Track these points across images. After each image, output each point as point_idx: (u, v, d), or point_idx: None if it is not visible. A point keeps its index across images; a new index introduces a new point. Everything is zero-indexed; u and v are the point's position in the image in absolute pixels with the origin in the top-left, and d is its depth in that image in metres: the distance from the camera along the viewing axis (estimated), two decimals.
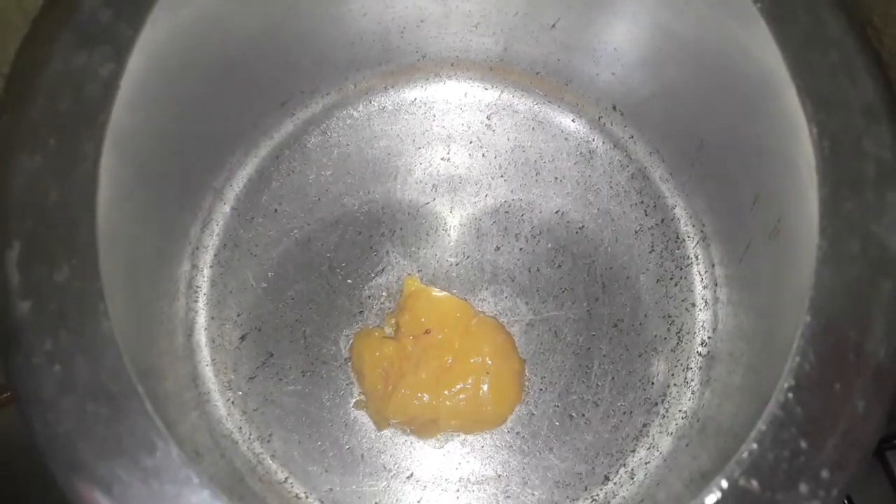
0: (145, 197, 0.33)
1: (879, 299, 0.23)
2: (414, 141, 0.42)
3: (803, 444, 0.22)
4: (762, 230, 0.32)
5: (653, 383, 0.38)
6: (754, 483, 0.22)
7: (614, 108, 0.41)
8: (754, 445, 0.23)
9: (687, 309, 0.39)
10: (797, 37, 0.25)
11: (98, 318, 0.22)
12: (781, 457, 0.22)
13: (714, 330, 0.38)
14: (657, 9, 0.33)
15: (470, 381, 0.37)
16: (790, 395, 0.23)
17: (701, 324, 0.39)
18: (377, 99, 0.42)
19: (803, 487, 0.22)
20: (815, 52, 0.25)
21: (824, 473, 0.22)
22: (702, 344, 0.38)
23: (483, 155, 0.42)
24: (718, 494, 0.22)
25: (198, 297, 0.39)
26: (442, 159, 0.42)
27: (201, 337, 0.39)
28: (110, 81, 0.24)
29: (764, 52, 0.27)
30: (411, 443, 0.38)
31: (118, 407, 0.22)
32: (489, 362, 0.37)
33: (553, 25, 0.38)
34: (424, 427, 0.37)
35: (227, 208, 0.40)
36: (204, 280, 0.39)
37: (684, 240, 0.40)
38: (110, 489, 0.21)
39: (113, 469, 0.21)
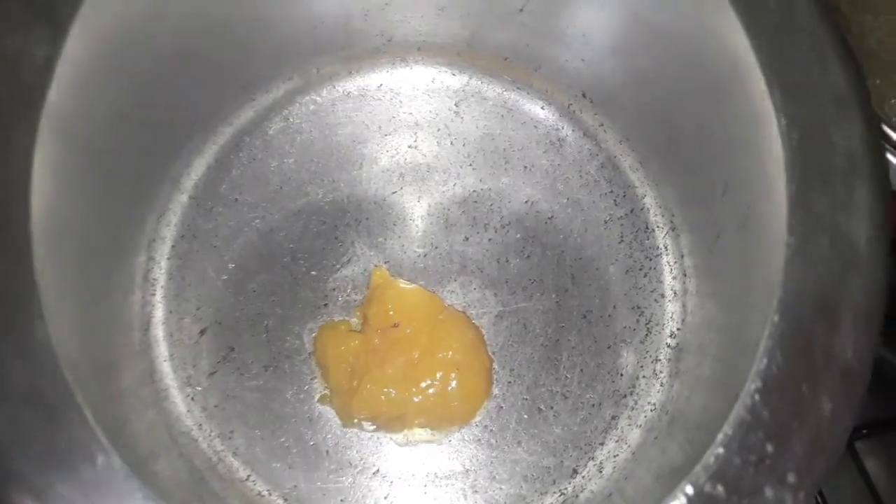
0: (96, 186, 0.31)
1: (848, 297, 0.23)
2: (380, 128, 0.41)
3: (769, 448, 0.22)
4: (732, 220, 0.31)
5: (622, 375, 0.38)
6: (720, 488, 0.22)
7: (584, 95, 0.40)
8: (720, 450, 0.22)
9: (656, 300, 0.39)
10: (766, 23, 0.25)
11: (33, 322, 0.21)
12: (748, 461, 0.22)
13: (683, 321, 0.38)
14: None
15: (438, 377, 0.36)
16: (757, 397, 0.22)
17: (670, 315, 0.38)
18: (341, 84, 0.41)
19: (769, 492, 0.22)
20: (784, 39, 0.25)
21: (791, 477, 0.22)
22: (671, 335, 0.38)
23: (451, 143, 0.41)
24: (684, 501, 0.22)
25: (155, 291, 0.38)
26: (409, 147, 0.41)
27: (159, 331, 0.37)
28: (46, 65, 0.22)
29: (733, 40, 0.26)
30: (377, 438, 0.37)
31: (56, 416, 0.20)
32: (458, 358, 0.37)
33: (521, 10, 0.37)
34: (391, 423, 0.37)
35: (184, 198, 0.39)
36: (161, 272, 0.38)
37: (654, 230, 0.40)
38: (48, 503, 0.20)
39: (51, 481, 0.20)
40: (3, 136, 0.22)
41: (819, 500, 0.37)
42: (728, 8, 0.25)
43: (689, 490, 0.22)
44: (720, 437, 0.22)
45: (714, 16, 0.27)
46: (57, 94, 0.23)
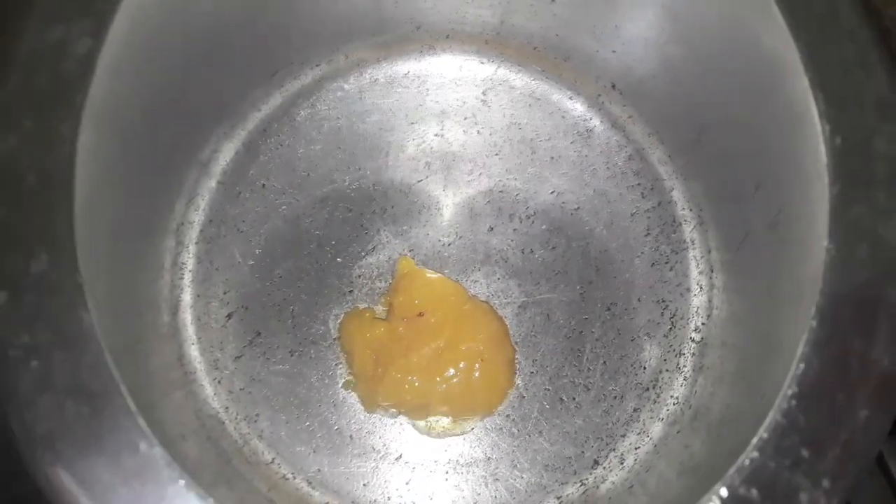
0: (128, 172, 0.32)
1: (886, 306, 0.23)
2: (407, 116, 0.41)
3: (805, 453, 0.22)
4: (762, 219, 0.31)
5: (645, 368, 0.38)
6: (754, 492, 0.22)
7: (613, 86, 0.40)
8: (755, 454, 0.22)
9: (681, 294, 0.39)
10: (811, 26, 0.24)
11: (78, 311, 0.21)
12: (782, 465, 0.22)
13: (708, 316, 0.38)
14: None
15: (462, 367, 0.37)
16: (793, 402, 0.22)
17: (695, 309, 0.38)
18: (369, 72, 0.41)
19: (803, 497, 0.22)
20: (829, 42, 0.24)
21: (825, 483, 0.22)
22: (695, 330, 0.38)
23: (478, 132, 0.41)
24: (718, 503, 0.22)
25: (183, 275, 0.38)
26: (435, 135, 0.41)
27: (187, 315, 0.38)
28: (88, 57, 0.23)
29: (775, 40, 0.26)
30: (400, 424, 0.37)
31: (99, 405, 0.21)
32: (482, 348, 0.37)
33: (553, 0, 0.37)
34: (414, 411, 0.37)
35: (212, 183, 0.39)
36: (189, 257, 0.38)
37: (681, 223, 0.40)
38: (92, 490, 0.20)
39: (94, 470, 0.20)
40: (50, 128, 0.22)
41: None
42: (772, 6, 0.25)
43: (724, 492, 0.22)
44: (755, 440, 0.22)
45: (755, 13, 0.26)
46: (98, 84, 0.24)
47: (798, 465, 0.22)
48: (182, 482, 0.20)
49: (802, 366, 0.23)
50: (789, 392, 0.23)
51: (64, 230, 0.22)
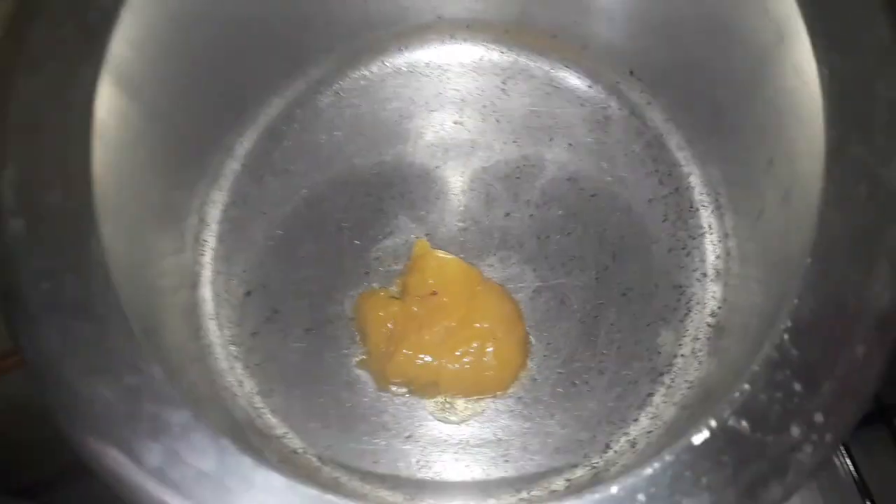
0: (154, 145, 0.33)
1: (885, 246, 0.22)
2: (427, 104, 0.42)
3: (797, 387, 0.22)
4: (776, 194, 0.31)
5: (659, 353, 0.37)
6: (744, 424, 0.21)
7: (632, 73, 0.40)
8: (746, 386, 0.22)
9: (698, 279, 0.38)
10: None
11: (89, 239, 0.22)
12: (774, 398, 0.22)
13: (724, 300, 0.37)
14: None
15: (474, 347, 0.37)
16: (786, 336, 0.22)
17: (711, 294, 0.38)
18: (391, 60, 0.42)
19: (795, 430, 0.21)
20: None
21: (818, 417, 0.21)
22: (711, 315, 0.38)
23: (496, 120, 0.41)
24: (707, 434, 0.22)
25: (204, 252, 0.39)
26: (454, 123, 0.41)
27: (206, 291, 0.39)
28: (110, 10, 0.24)
29: (780, 2, 0.26)
30: (412, 403, 0.38)
31: (103, 327, 0.22)
32: (494, 328, 0.37)
33: None
34: (425, 389, 0.37)
35: (236, 165, 0.40)
36: (211, 235, 0.39)
37: (698, 209, 0.39)
38: (90, 405, 0.21)
39: (95, 386, 0.21)
40: (72, 72, 0.24)
41: (853, 472, 0.35)
42: None
43: (713, 423, 0.22)
44: (746, 374, 0.22)
45: None
46: (121, 42, 0.25)
47: (790, 399, 0.22)
48: (180, 399, 0.21)
49: (796, 301, 0.22)
50: (782, 326, 0.22)
51: (81, 165, 0.23)
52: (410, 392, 0.37)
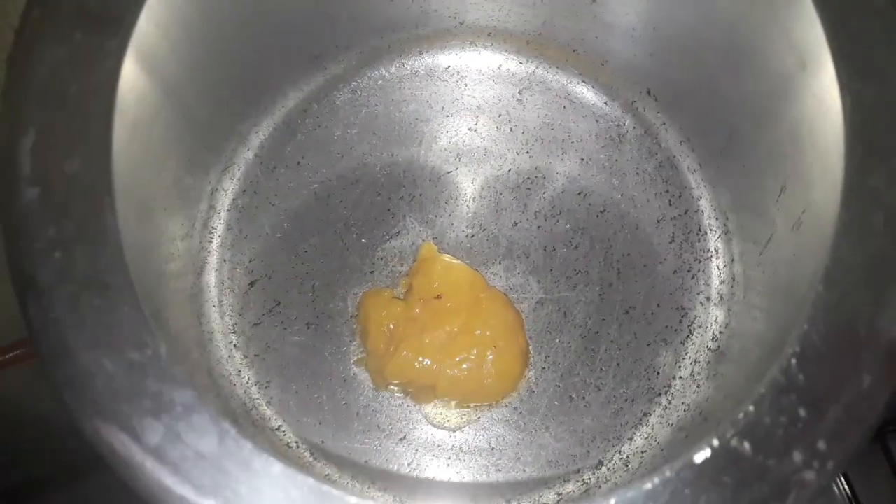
0: (171, 126, 0.33)
1: None
2: (443, 108, 0.42)
3: (802, 412, 0.22)
4: (786, 222, 0.31)
5: (658, 373, 0.37)
6: (746, 445, 0.21)
7: (649, 92, 0.40)
8: (751, 408, 0.22)
9: (701, 303, 0.38)
10: (839, 6, 0.25)
11: (104, 210, 0.22)
12: (778, 422, 0.22)
13: (727, 326, 0.37)
14: None
15: (474, 353, 0.37)
16: (794, 361, 0.22)
17: (714, 318, 0.38)
18: (411, 62, 0.42)
19: (797, 456, 0.21)
20: (856, 21, 0.24)
21: (821, 444, 0.21)
22: (713, 339, 0.38)
23: (511, 129, 0.42)
24: (708, 452, 0.22)
25: (212, 238, 0.39)
26: (469, 129, 0.42)
27: (211, 278, 0.39)
28: None
29: (804, 29, 0.26)
30: (408, 406, 0.37)
31: (112, 300, 0.22)
32: (495, 337, 0.37)
33: (594, 1, 0.37)
34: (422, 392, 0.37)
35: (250, 154, 0.40)
36: (220, 222, 0.39)
37: (706, 233, 0.39)
38: (93, 379, 0.21)
39: (99, 359, 0.21)
40: (98, 45, 0.24)
41: (846, 489, 0.35)
42: None
43: (715, 443, 0.22)
44: (752, 395, 0.22)
45: (788, 4, 0.27)
46: (147, 22, 0.25)
47: (794, 424, 0.22)
48: (182, 379, 0.21)
49: (806, 326, 0.22)
50: (790, 351, 0.22)
51: (101, 137, 0.23)
52: (407, 394, 0.37)
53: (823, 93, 0.26)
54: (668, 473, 0.21)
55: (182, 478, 0.20)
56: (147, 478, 0.20)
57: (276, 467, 0.21)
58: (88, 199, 0.22)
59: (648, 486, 0.21)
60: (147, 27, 0.25)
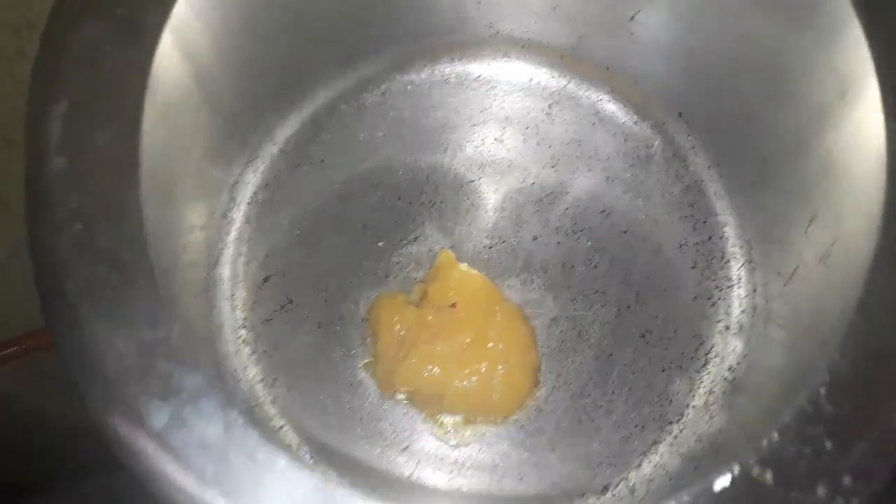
0: (200, 112, 0.33)
1: None
2: (471, 117, 0.42)
3: (828, 445, 0.21)
4: (814, 254, 0.30)
5: (671, 401, 0.37)
6: (768, 475, 0.21)
7: (680, 115, 0.40)
8: (775, 436, 0.21)
9: (720, 332, 0.38)
10: (888, 33, 0.24)
11: (129, 187, 0.22)
12: (802, 453, 0.21)
13: (744, 357, 0.37)
14: (745, 12, 0.32)
15: (484, 366, 0.36)
16: (822, 391, 0.21)
17: (732, 349, 0.37)
18: (442, 69, 0.42)
19: (821, 490, 0.20)
20: None
21: (846, 480, 0.20)
22: (729, 370, 0.37)
23: (537, 142, 0.41)
24: (728, 480, 0.21)
25: (230, 231, 0.39)
26: (495, 140, 0.41)
27: (225, 270, 0.38)
28: None
29: (849, 56, 0.25)
30: (413, 415, 0.37)
31: (129, 276, 0.21)
32: (507, 351, 0.36)
33: (632, 18, 0.37)
34: (429, 401, 0.36)
35: (275, 149, 0.40)
36: (239, 214, 0.39)
37: (729, 261, 0.39)
38: (103, 355, 0.20)
39: (110, 335, 0.21)
40: (137, 22, 0.23)
41: None
42: (853, 19, 0.25)
43: (736, 470, 0.21)
44: (778, 424, 0.21)
45: (833, 31, 0.26)
46: (185, 6, 0.25)
47: (819, 456, 0.21)
48: (191, 361, 0.20)
49: (837, 356, 0.22)
50: (819, 380, 0.21)
51: (132, 112, 0.23)
52: (413, 402, 0.37)
53: (862, 122, 0.25)
54: (685, 498, 0.20)
55: (183, 465, 0.20)
56: (148, 463, 0.20)
57: (281, 462, 0.20)
58: (114, 174, 0.22)
59: None
60: (186, 13, 0.25)
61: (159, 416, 0.20)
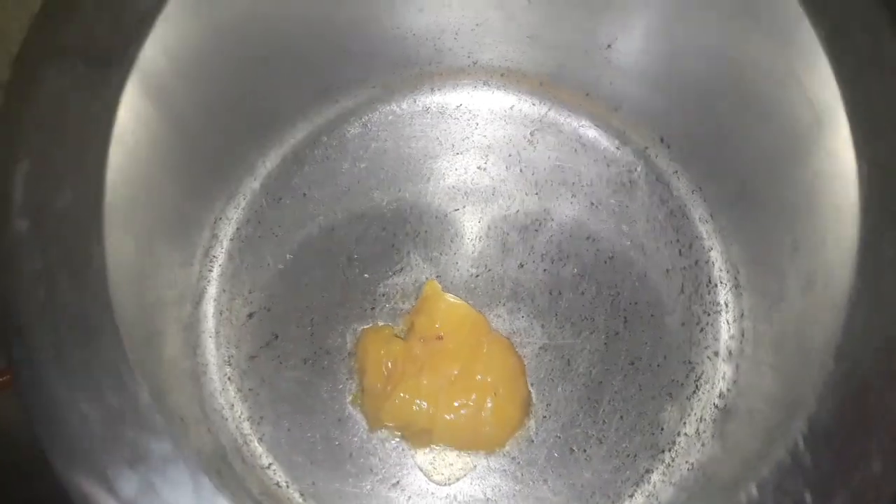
0: (175, 154, 0.33)
1: None
2: (453, 146, 0.41)
3: (808, 498, 0.21)
4: (798, 281, 0.30)
5: (662, 429, 0.36)
6: None
7: (662, 140, 0.40)
8: (754, 491, 0.21)
9: (709, 357, 0.37)
10: (853, 61, 0.24)
11: (92, 246, 0.22)
12: None
13: (734, 383, 0.36)
14: (719, 39, 0.32)
15: (472, 399, 0.36)
16: (800, 442, 0.21)
17: (722, 374, 0.37)
18: (422, 99, 0.42)
19: None
20: (872, 80, 0.24)
21: None
22: (720, 396, 0.36)
23: (520, 170, 0.41)
24: None
25: (212, 268, 0.39)
26: (478, 168, 0.41)
27: (209, 307, 0.38)
28: (147, 15, 0.24)
29: (820, 86, 0.25)
30: (402, 449, 0.36)
31: (94, 340, 0.21)
32: (496, 383, 0.36)
33: (609, 46, 0.37)
34: (417, 436, 0.36)
35: (256, 184, 0.40)
36: (221, 251, 0.39)
37: (716, 285, 0.38)
38: (70, 423, 0.20)
39: (77, 402, 0.20)
40: (100, 75, 0.23)
41: None
42: (817, 48, 0.25)
43: None
44: (756, 477, 0.21)
45: (801, 59, 0.26)
46: (154, 48, 0.25)
47: None
48: (161, 428, 0.20)
49: (815, 406, 0.21)
50: (798, 430, 0.21)
51: (95, 170, 0.22)
52: (402, 437, 0.36)
53: (838, 151, 0.25)
54: None
55: None
56: None
57: None
58: (78, 233, 0.22)
59: None
60: (153, 55, 0.25)
61: (129, 485, 0.19)
